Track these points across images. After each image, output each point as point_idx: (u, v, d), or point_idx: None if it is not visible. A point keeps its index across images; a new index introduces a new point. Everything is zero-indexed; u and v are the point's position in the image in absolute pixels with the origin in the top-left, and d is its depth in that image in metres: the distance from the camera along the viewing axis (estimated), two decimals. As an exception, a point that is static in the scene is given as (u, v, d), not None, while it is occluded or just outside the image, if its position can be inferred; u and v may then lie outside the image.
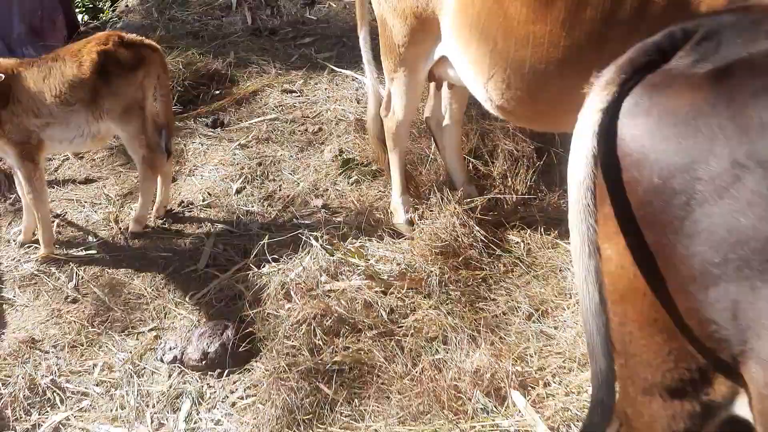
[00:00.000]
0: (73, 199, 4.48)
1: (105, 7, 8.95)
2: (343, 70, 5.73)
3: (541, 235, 3.82)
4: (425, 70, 3.48)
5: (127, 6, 7.71)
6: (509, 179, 4.07)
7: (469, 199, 3.77)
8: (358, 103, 5.29)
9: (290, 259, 3.63)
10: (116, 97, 3.72)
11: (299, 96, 5.50)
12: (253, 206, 4.33)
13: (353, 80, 5.62)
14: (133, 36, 3.84)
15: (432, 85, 3.79)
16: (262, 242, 3.73)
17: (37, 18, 6.52)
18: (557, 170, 4.12)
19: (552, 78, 2.84)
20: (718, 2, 2.53)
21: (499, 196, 3.85)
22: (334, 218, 4.11)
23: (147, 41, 3.86)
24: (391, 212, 3.99)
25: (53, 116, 3.65)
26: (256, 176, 4.60)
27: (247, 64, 5.87)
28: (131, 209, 4.28)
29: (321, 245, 3.59)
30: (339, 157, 4.63)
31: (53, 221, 4.11)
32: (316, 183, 4.45)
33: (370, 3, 3.68)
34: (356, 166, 4.50)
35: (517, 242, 3.80)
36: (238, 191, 4.47)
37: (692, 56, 1.53)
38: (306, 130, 5.05)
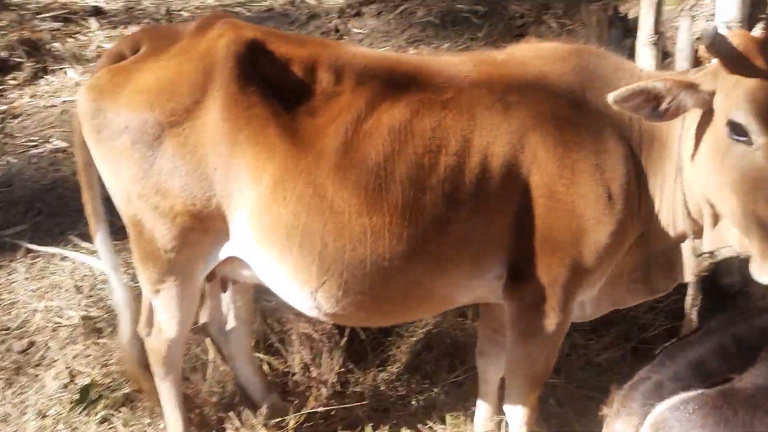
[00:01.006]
0: None
1: None
2: (45, 248, 4.41)
3: (372, 439, 3.11)
4: (204, 274, 2.60)
5: None
6: (313, 370, 3.31)
7: (276, 419, 2.94)
8: (78, 292, 4.06)
9: None
10: None
11: (-12, 296, 4.05)
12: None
13: (63, 259, 4.34)
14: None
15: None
16: None
17: None
18: (365, 345, 3.49)
19: (398, 273, 2.30)
20: (556, 189, 2.24)
21: (314, 410, 3.05)
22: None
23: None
24: (171, 463, 2.90)
25: None
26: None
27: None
28: None
29: None
30: (72, 385, 3.37)
31: None
32: (44, 436, 3.13)
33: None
34: (100, 395, 3.28)
35: (347, 460, 3.03)
36: None
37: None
38: (9, 349, 3.65)
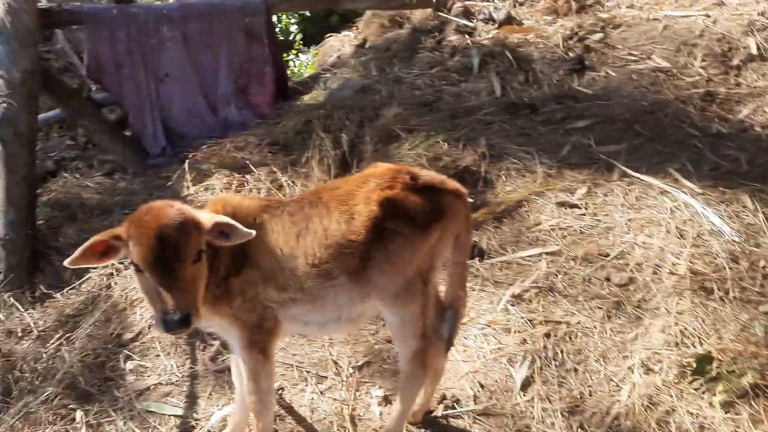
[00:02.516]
0: (292, 365, 3.21)
1: (309, 59, 7.95)
2: (642, 176, 4.11)
3: None
4: None
5: (338, 57, 6.57)
6: None
7: None
8: (680, 237, 3.63)
9: None
10: (394, 268, 2.37)
11: (584, 214, 3.94)
12: (551, 421, 2.81)
13: (661, 193, 3.96)
14: (431, 176, 2.46)
15: None
16: None
17: (244, 73, 5.49)
18: None
19: None
20: None
21: None
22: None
23: (450, 184, 2.46)
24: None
25: (304, 292, 2.36)
26: (549, 360, 3.09)
27: (502, 156, 4.41)
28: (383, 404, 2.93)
29: None
30: (683, 348, 3.01)
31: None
32: (651, 397, 2.85)
33: None
34: (719, 374, 2.84)
35: None
36: (523, 387, 2.98)
37: None
38: (607, 279, 3.48)
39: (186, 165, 4.49)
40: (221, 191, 4.29)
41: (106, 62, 5.22)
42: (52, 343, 3.55)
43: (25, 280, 4.22)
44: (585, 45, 5.38)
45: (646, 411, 2.77)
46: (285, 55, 7.94)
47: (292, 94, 6.02)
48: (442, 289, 2.70)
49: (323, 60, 7.06)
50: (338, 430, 2.83)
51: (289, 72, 7.42)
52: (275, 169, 4.43)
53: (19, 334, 3.78)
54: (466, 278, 2.61)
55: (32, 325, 3.78)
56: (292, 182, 4.34)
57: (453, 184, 2.48)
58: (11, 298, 4.02)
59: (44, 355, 3.47)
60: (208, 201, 2.50)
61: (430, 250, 2.43)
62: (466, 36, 5.91)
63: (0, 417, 3.13)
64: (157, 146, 5.34)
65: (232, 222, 2.16)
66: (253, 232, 2.17)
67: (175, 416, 2.99)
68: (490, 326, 3.29)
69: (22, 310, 3.93)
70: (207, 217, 2.19)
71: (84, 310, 3.80)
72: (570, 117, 4.75)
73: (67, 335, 3.58)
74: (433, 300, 2.52)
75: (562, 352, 3.12)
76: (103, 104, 5.70)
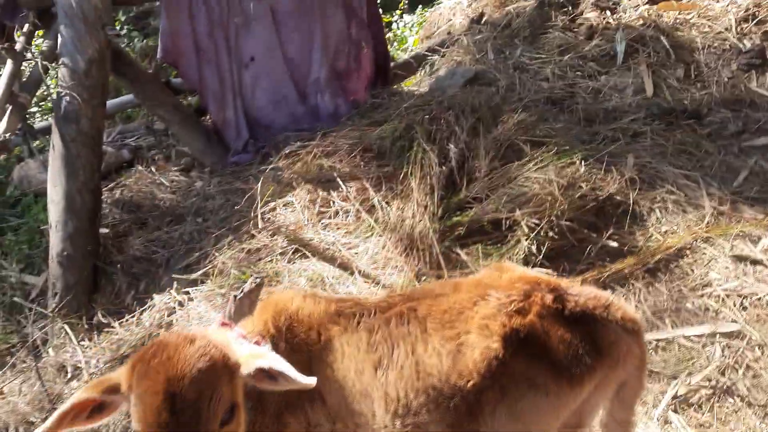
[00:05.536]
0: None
1: (414, 20, 7.05)
2: None
3: None
4: None
5: (448, 32, 5.63)
6: None
7: None
8: None
9: None
10: (522, 429, 1.56)
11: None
12: None
13: None
14: (586, 296, 1.60)
15: None
16: None
17: (340, 56, 4.70)
18: None
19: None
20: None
21: None
22: None
23: (618, 311, 1.60)
24: None
25: None
26: None
27: (656, 182, 3.43)
28: None
29: None
30: None
31: None
32: None
33: None
34: None
35: None
36: None
37: None
38: (814, 384, 2.50)
39: (260, 181, 3.81)
40: (302, 212, 3.59)
41: (185, 43, 4.58)
42: (100, 395, 3.02)
43: (83, 302, 3.72)
44: (765, 31, 4.19)
45: None
46: (389, 15, 7.13)
47: (393, 77, 5.21)
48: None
49: (430, 31, 6.15)
50: None
51: (389, 35, 6.53)
52: (366, 185, 3.66)
53: (69, 374, 3.32)
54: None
55: (83, 364, 3.29)
56: (386, 203, 3.57)
57: (622, 310, 1.61)
58: (65, 326, 3.55)
59: (88, 412, 2.95)
60: (261, 303, 1.78)
61: (580, 404, 1.60)
62: (608, 13, 4.82)
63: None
64: (240, 140, 4.70)
65: (284, 369, 1.42)
66: (314, 381, 1.42)
67: None
68: (641, 441, 2.43)
69: (76, 342, 3.44)
70: (246, 357, 1.46)
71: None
72: (747, 130, 3.66)
73: (116, 388, 3.04)
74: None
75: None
76: (181, 91, 5.10)
